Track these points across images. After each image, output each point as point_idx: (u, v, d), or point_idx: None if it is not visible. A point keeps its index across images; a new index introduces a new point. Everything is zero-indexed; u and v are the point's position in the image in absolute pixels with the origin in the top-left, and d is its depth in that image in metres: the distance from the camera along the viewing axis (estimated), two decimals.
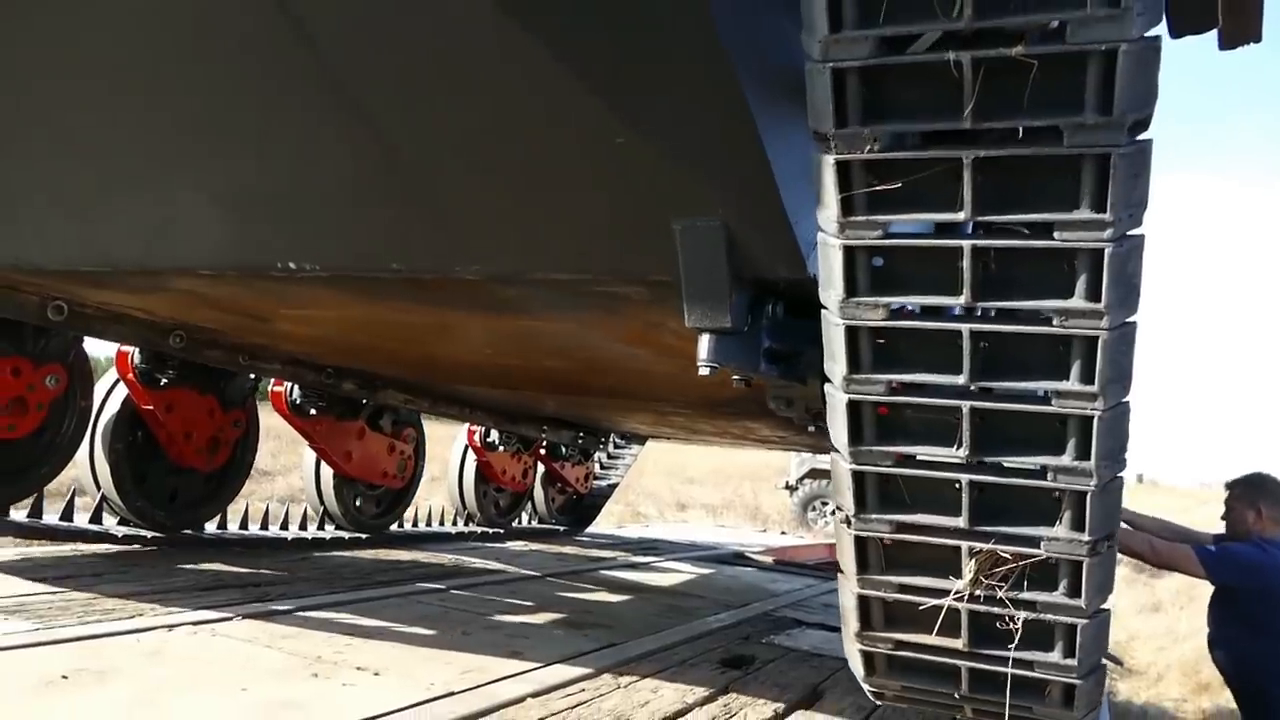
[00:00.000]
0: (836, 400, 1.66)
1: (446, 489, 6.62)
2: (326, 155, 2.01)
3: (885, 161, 1.47)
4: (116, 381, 4.11)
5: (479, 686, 2.60)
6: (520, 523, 7.08)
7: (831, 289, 1.58)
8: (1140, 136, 1.36)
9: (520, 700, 2.52)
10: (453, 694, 2.50)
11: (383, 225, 2.12)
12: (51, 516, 4.09)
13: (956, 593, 1.70)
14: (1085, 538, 1.60)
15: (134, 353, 3.95)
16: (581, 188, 1.89)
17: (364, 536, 5.34)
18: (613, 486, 7.71)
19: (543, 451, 6.75)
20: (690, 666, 3.21)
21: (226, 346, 3.86)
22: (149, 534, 4.23)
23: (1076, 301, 1.45)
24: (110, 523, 4.27)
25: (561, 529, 7.31)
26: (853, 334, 1.61)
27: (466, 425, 6.15)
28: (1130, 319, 1.47)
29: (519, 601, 4.15)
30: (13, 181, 2.43)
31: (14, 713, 2.00)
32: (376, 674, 2.63)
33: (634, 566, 5.95)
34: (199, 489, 4.51)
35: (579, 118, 1.75)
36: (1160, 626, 15.13)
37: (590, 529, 7.90)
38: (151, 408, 4.11)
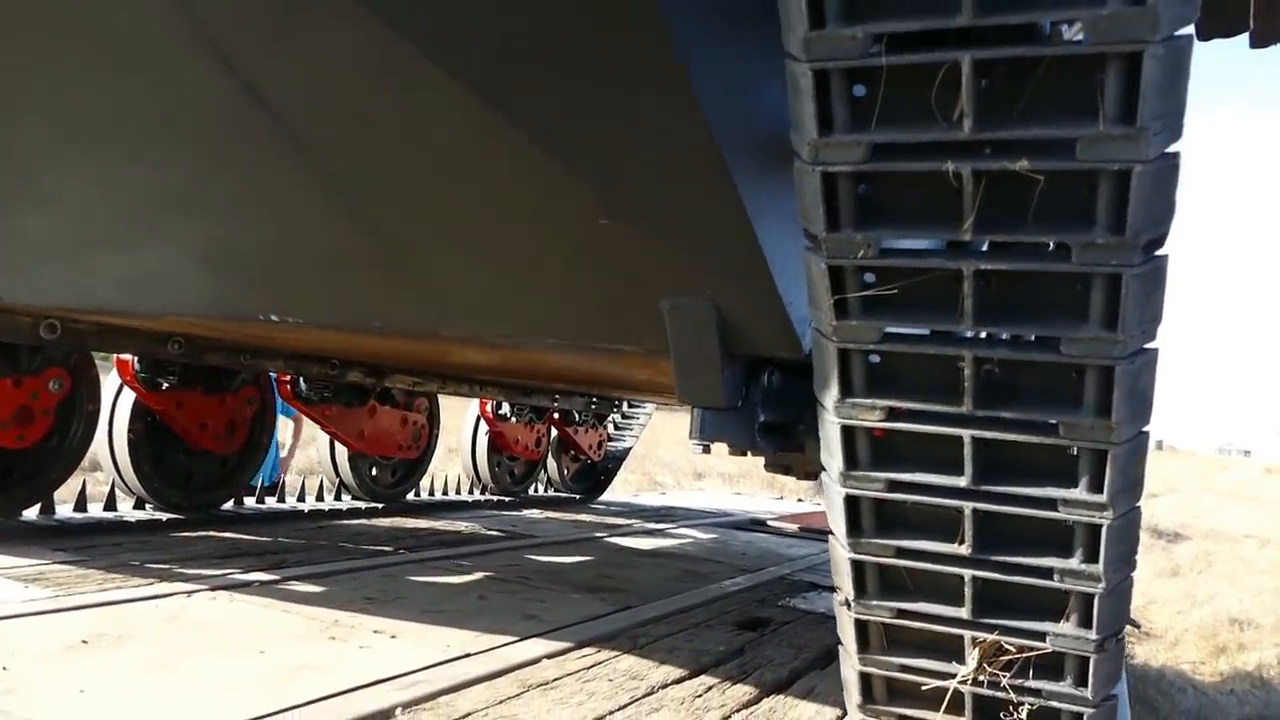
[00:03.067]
0: (834, 493, 1.60)
1: (461, 460, 6.62)
2: (305, 225, 1.96)
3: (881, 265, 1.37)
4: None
5: (495, 648, 2.60)
6: (535, 491, 7.08)
7: (827, 389, 1.50)
8: (1156, 253, 1.26)
9: (536, 661, 2.52)
10: (469, 655, 2.50)
11: (364, 289, 2.06)
12: (65, 508, 4.09)
13: (960, 678, 1.66)
14: (1093, 636, 1.55)
15: (134, 359, 3.92)
16: (567, 266, 1.82)
17: (380, 506, 5.35)
18: (626, 451, 7.69)
19: (556, 417, 6.73)
20: (706, 628, 3.20)
21: (226, 349, 3.82)
22: (165, 517, 4.23)
23: (1084, 416, 1.37)
24: (125, 508, 4.27)
25: (577, 497, 7.31)
26: (849, 432, 1.53)
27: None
28: (1143, 430, 1.39)
29: (535, 567, 4.15)
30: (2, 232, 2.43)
31: (36, 675, 2.01)
32: (393, 637, 2.64)
33: (650, 533, 5.95)
34: (216, 471, 4.51)
35: (560, 200, 1.68)
36: (1178, 591, 15.09)
37: (606, 497, 7.90)
38: (161, 408, 4.10)
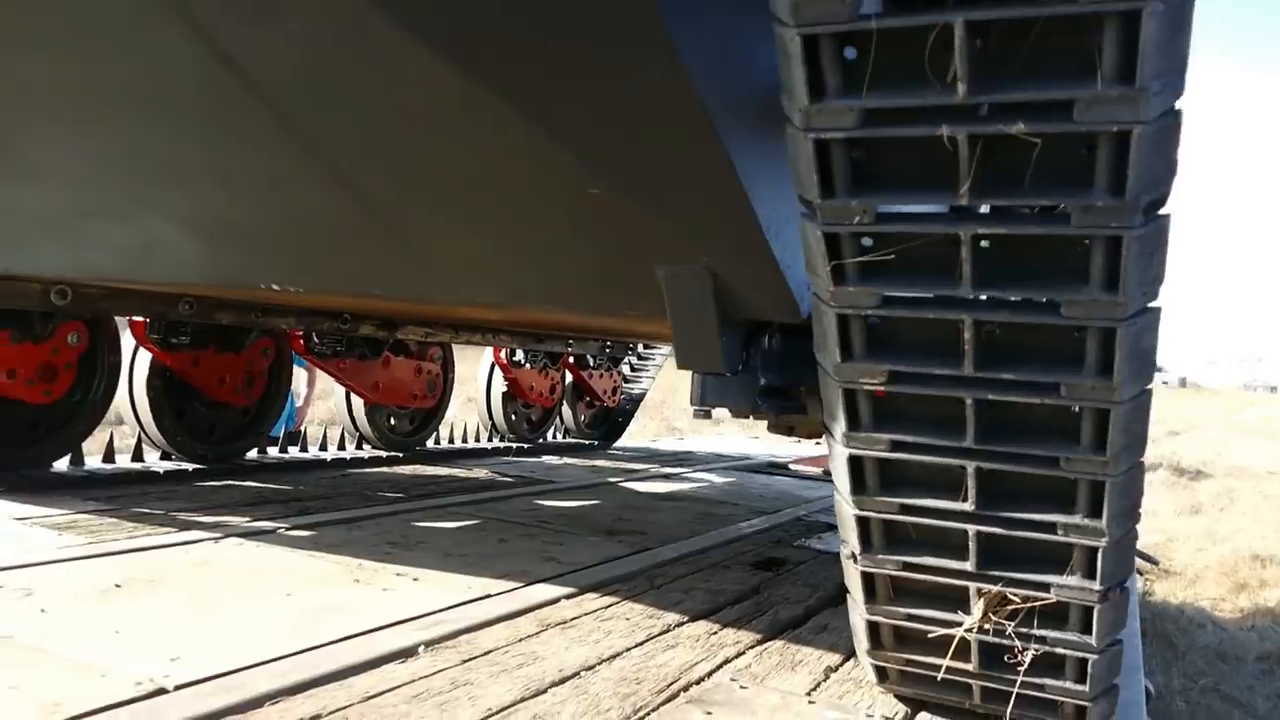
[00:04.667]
0: (838, 452, 1.62)
1: (477, 409, 6.70)
2: (298, 196, 1.96)
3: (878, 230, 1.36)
4: None
5: (516, 589, 2.68)
6: (552, 437, 7.16)
7: (827, 353, 1.51)
8: (1157, 214, 1.25)
9: (555, 601, 2.60)
10: (490, 596, 2.58)
11: (361, 259, 2.07)
12: (94, 459, 4.19)
13: (966, 628, 1.70)
14: (1097, 586, 1.57)
15: (147, 320, 3.97)
16: (560, 234, 1.82)
17: (400, 455, 5.44)
18: (642, 395, 7.74)
19: (570, 362, 6.79)
20: (723, 569, 3.27)
21: (237, 307, 3.86)
22: (191, 467, 4.34)
23: (1086, 377, 1.37)
24: (152, 459, 4.38)
25: (593, 442, 7.39)
26: (850, 395, 1.54)
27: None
28: (1146, 388, 1.39)
29: (553, 512, 4.23)
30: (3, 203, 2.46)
31: (73, 617, 2.10)
32: (415, 580, 2.72)
33: (667, 477, 6.03)
34: (237, 422, 4.60)
35: (550, 169, 1.67)
36: (1199, 528, 15.12)
37: (623, 442, 7.97)
38: (178, 366, 4.18)
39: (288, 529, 3.26)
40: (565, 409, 7.22)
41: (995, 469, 1.53)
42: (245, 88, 1.76)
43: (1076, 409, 1.43)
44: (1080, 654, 1.69)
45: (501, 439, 6.61)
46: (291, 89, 1.75)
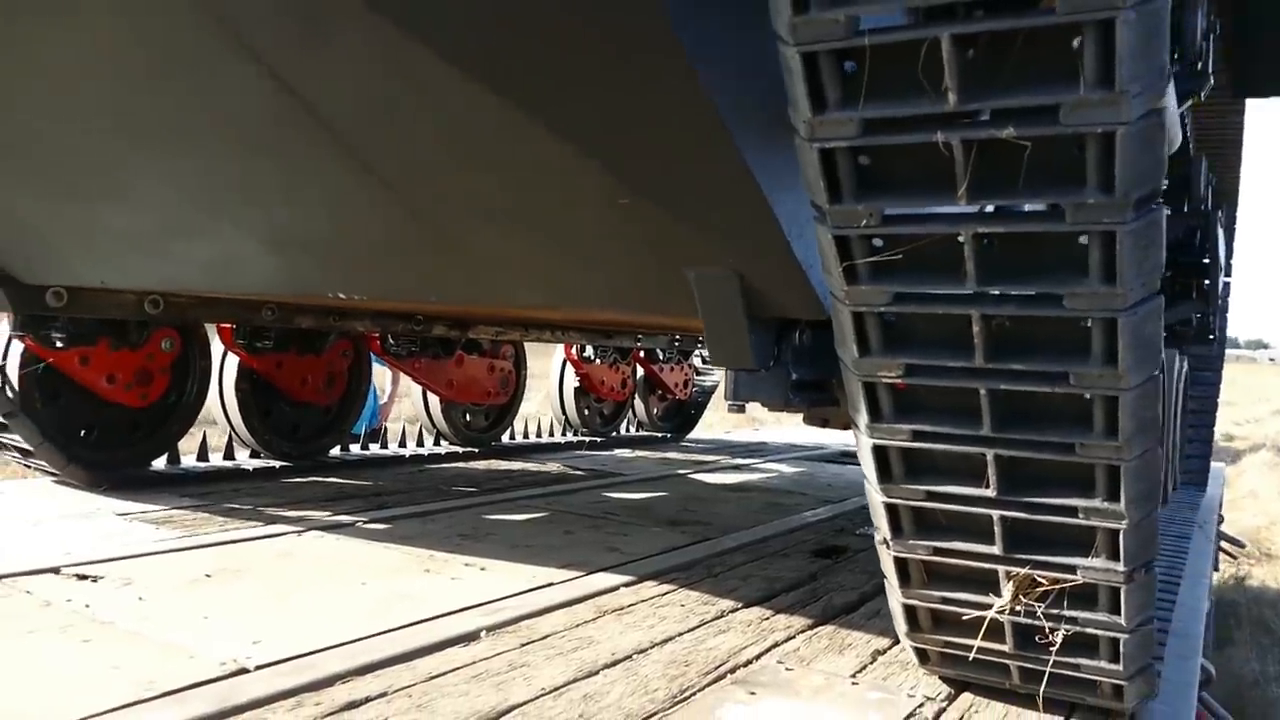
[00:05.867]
0: (863, 443, 1.69)
1: (550, 404, 6.86)
2: (356, 212, 2.12)
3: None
4: None
5: (577, 578, 2.80)
6: (624, 431, 7.29)
7: (846, 349, 1.57)
8: (1149, 210, 1.29)
9: (614, 589, 2.71)
10: (552, 585, 2.71)
11: (417, 269, 2.22)
12: (189, 458, 4.46)
13: (997, 609, 1.75)
14: (1121, 567, 1.61)
15: (233, 326, 4.22)
16: (597, 240, 1.93)
17: (475, 450, 5.63)
18: (714, 386, 7.80)
19: (641, 356, 6.90)
20: (782, 557, 3.35)
21: (315, 312, 4.06)
22: (278, 464, 4.58)
23: (1092, 366, 1.42)
24: (243, 457, 4.64)
25: (666, 435, 7.49)
26: (870, 388, 1.61)
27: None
28: (1153, 374, 1.43)
29: (620, 504, 4.35)
30: (93, 223, 2.67)
31: (166, 604, 2.29)
32: (482, 569, 2.87)
33: (737, 468, 6.10)
34: (319, 420, 4.84)
35: (583, 183, 1.77)
36: None
37: (697, 434, 8.06)
38: (263, 368, 4.42)
39: (365, 522, 3.45)
40: (637, 402, 7.34)
41: (1014, 455, 1.58)
42: (306, 115, 1.92)
43: (1089, 396, 1.48)
44: (1112, 634, 1.72)
45: (575, 433, 6.76)
46: (346, 115, 1.90)
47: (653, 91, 1.57)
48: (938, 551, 1.78)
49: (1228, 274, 7.22)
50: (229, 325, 4.17)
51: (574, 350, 6.47)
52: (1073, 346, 1.44)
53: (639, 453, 6.66)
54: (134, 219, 2.60)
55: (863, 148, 1.39)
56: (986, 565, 1.74)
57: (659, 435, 7.46)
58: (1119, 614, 1.69)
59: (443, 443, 5.69)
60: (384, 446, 5.43)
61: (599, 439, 6.76)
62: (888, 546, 1.82)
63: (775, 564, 3.22)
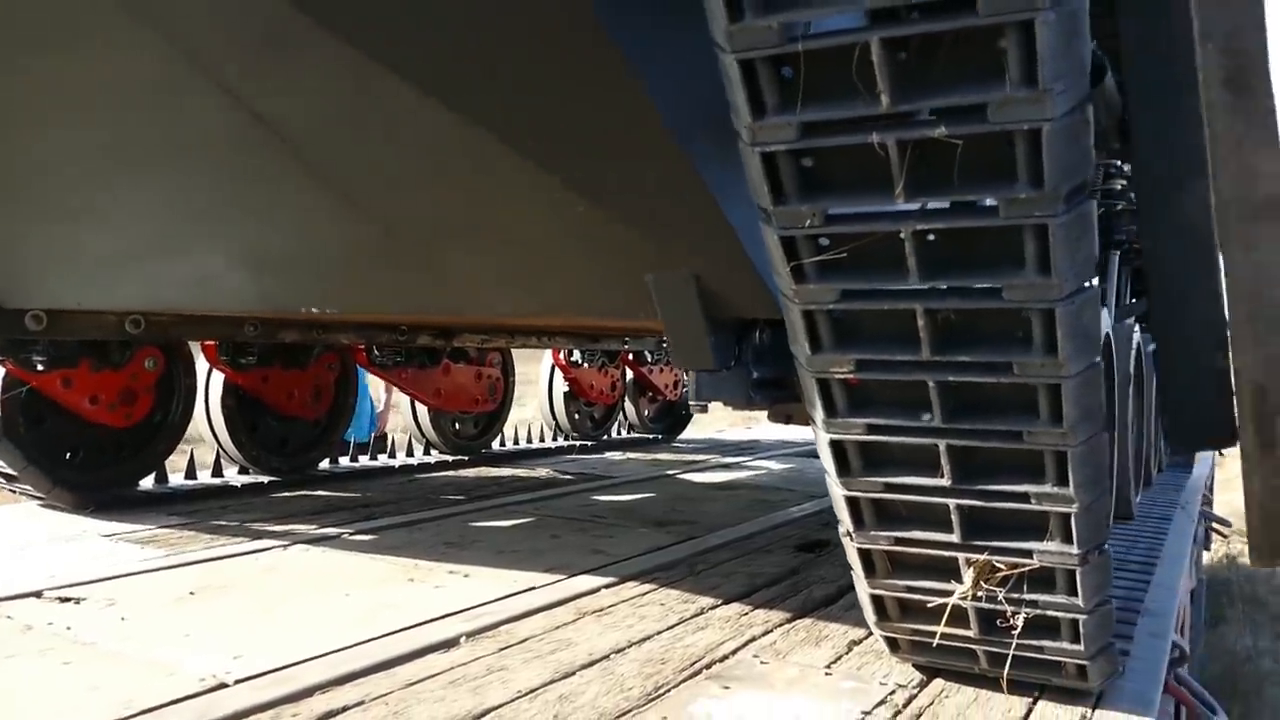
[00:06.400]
0: (821, 437, 1.73)
1: (540, 409, 6.89)
2: (327, 230, 2.16)
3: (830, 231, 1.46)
4: None
5: (559, 581, 2.83)
6: (616, 434, 7.32)
7: (799, 346, 1.61)
8: (1079, 202, 1.32)
9: (595, 591, 2.74)
10: (534, 589, 2.74)
11: (387, 282, 2.26)
12: (177, 476, 4.48)
13: (959, 595, 1.79)
14: (1075, 550, 1.65)
15: (217, 343, 4.23)
16: (560, 249, 1.97)
17: (465, 458, 5.66)
18: None
19: (630, 358, 6.93)
20: (765, 553, 3.38)
21: (299, 326, 4.07)
22: (267, 479, 4.60)
23: (1034, 355, 1.45)
24: (231, 474, 4.66)
25: (657, 436, 7.53)
26: (824, 384, 1.64)
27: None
28: (1093, 361, 1.47)
29: (608, 507, 4.38)
30: (71, 245, 2.71)
31: (149, 622, 2.32)
32: (466, 576, 2.90)
33: (727, 466, 6.13)
34: (308, 434, 4.85)
35: (540, 193, 1.81)
36: None
37: (689, 434, 8.09)
38: (248, 384, 4.44)
39: (352, 534, 3.48)
40: (628, 405, 7.37)
41: (965, 445, 1.62)
42: (273, 137, 1.95)
43: (1032, 385, 1.51)
44: (1071, 615, 1.76)
45: (565, 438, 6.79)
46: (310, 136, 1.94)
47: (598, 100, 1.60)
48: (899, 541, 1.81)
49: None
50: (213, 342, 4.18)
51: (562, 355, 6.50)
52: (1015, 337, 1.48)
53: (630, 455, 6.69)
54: (111, 240, 2.63)
55: (803, 150, 1.42)
56: (946, 553, 1.78)
57: (650, 437, 7.49)
58: (1077, 595, 1.72)
59: (433, 452, 5.72)
60: (391, 455, 5.46)
61: (590, 443, 6.80)
62: (851, 538, 1.86)
63: (758, 560, 3.25)
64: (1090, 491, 1.59)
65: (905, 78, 1.31)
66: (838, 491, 1.80)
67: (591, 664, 2.12)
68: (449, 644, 2.22)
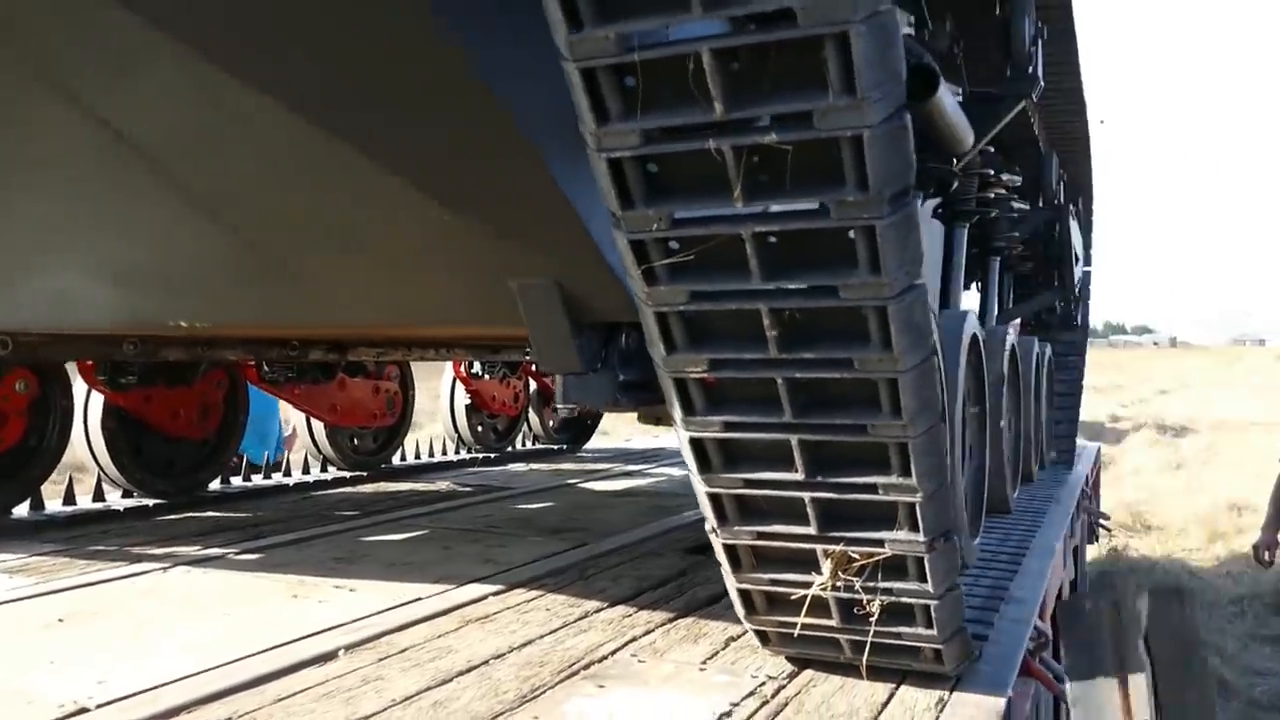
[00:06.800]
0: (681, 436, 1.78)
1: (442, 423, 6.83)
2: (190, 244, 2.15)
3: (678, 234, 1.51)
4: None
5: (445, 591, 2.82)
6: (519, 446, 7.30)
7: (654, 347, 1.65)
8: (903, 204, 1.40)
9: (481, 599, 2.74)
10: (420, 600, 2.72)
11: (253, 294, 2.24)
12: (55, 502, 4.30)
13: (818, 585, 1.86)
14: (922, 538, 1.73)
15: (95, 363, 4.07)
16: (422, 257, 1.99)
17: (364, 474, 5.58)
18: None
19: (533, 369, 6.92)
20: (656, 556, 3.43)
21: (181, 344, 3.96)
22: (151, 502, 4.44)
23: (872, 351, 1.53)
24: (114, 497, 4.48)
25: (562, 447, 7.53)
26: (681, 384, 1.70)
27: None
28: (926, 356, 1.55)
29: (505, 516, 4.38)
30: None
31: (11, 652, 2.24)
32: (353, 590, 2.86)
33: (629, 474, 6.17)
34: (196, 454, 4.71)
35: (399, 202, 1.83)
36: (1182, 483, 15.35)
37: (597, 444, 8.11)
38: (130, 405, 4.29)
39: (237, 554, 3.40)
40: (532, 416, 7.36)
41: (815, 439, 1.69)
42: (128, 149, 1.92)
43: (873, 380, 1.58)
44: (923, 601, 1.84)
45: (468, 451, 6.75)
46: (163, 147, 1.91)
47: (447, 104, 1.63)
48: (761, 536, 1.87)
49: (1087, 264, 7.63)
50: (90, 362, 4.05)
51: (463, 368, 6.47)
52: (854, 334, 1.55)
53: (534, 466, 6.68)
54: None
55: (647, 156, 1.47)
56: (805, 545, 1.84)
57: (555, 447, 7.49)
58: (927, 582, 1.81)
59: (330, 469, 5.62)
60: (287, 474, 5.32)
61: (493, 455, 6.76)
62: (717, 534, 1.91)
63: (648, 563, 3.29)
64: (932, 481, 1.67)
65: (738, 86, 1.36)
66: (701, 489, 1.85)
67: (470, 670, 2.12)
68: (326, 657, 2.20)
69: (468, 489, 5.32)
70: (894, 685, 2.04)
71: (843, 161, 1.38)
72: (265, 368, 4.76)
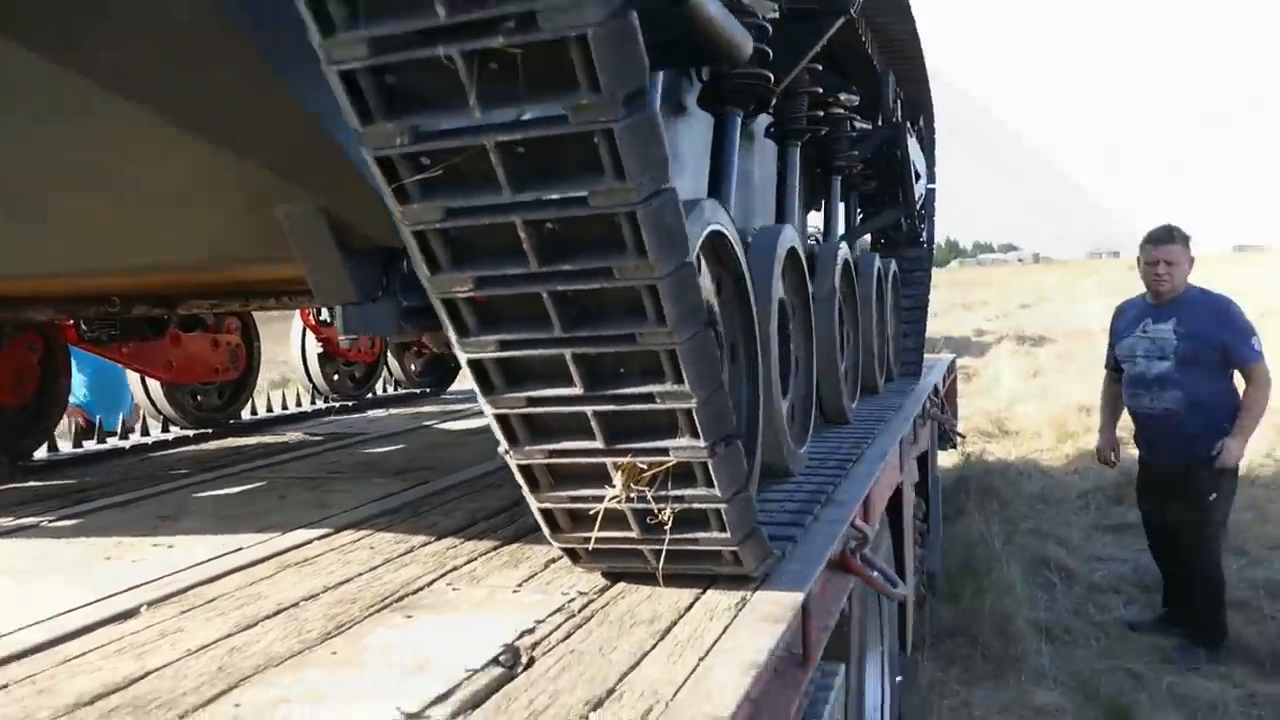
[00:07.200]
0: (461, 358, 1.76)
1: (295, 374, 6.62)
2: None
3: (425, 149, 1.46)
4: None
5: (268, 540, 2.75)
6: (380, 392, 7.16)
7: (420, 268, 1.62)
8: (639, 107, 1.38)
9: (306, 544, 2.69)
10: (240, 550, 2.65)
11: (10, 238, 2.09)
12: None
13: (610, 499, 1.88)
14: (702, 444, 1.77)
15: None
16: (186, 188, 1.88)
17: (209, 431, 5.38)
18: None
19: (311, 316, 6.70)
20: (493, 488, 3.41)
21: None
22: None
23: (628, 259, 1.53)
24: None
25: (424, 391, 7.41)
26: (451, 304, 1.67)
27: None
28: (683, 261, 1.55)
29: (351, 461, 4.30)
30: None
31: None
32: (170, 547, 2.76)
33: (481, 414, 6.12)
34: (14, 423, 4.44)
35: (147, 131, 1.73)
36: (1038, 389, 16.16)
37: (461, 386, 8.03)
38: None
39: (53, 521, 3.24)
40: (391, 360, 7.20)
41: (588, 352, 1.69)
42: None
43: (635, 288, 1.59)
44: (713, 506, 1.89)
45: (325, 400, 6.57)
46: None
47: (194, 41, 1.53)
48: (553, 454, 1.87)
49: (931, 181, 7.86)
50: None
51: (311, 315, 6.25)
52: (610, 243, 1.54)
53: (393, 411, 6.56)
54: None
55: (379, 67, 1.41)
56: (596, 460, 1.86)
57: (418, 391, 7.37)
58: (714, 487, 1.84)
59: (173, 429, 5.40)
60: (124, 437, 5.06)
61: (350, 403, 6.61)
62: (510, 455, 1.90)
63: (485, 495, 3.28)
64: (705, 386, 1.70)
65: None
66: (488, 410, 1.84)
67: (277, 614, 2.08)
68: (127, 615, 2.12)
69: (318, 438, 5.20)
70: (700, 590, 2.09)
71: (574, 63, 1.35)
72: (84, 327, 4.50)
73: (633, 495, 1.88)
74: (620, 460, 1.84)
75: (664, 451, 1.81)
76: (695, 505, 1.90)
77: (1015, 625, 6.24)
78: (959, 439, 8.58)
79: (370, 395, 6.92)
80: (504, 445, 1.89)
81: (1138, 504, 6.33)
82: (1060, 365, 18.58)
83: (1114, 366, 6.09)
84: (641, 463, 1.84)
